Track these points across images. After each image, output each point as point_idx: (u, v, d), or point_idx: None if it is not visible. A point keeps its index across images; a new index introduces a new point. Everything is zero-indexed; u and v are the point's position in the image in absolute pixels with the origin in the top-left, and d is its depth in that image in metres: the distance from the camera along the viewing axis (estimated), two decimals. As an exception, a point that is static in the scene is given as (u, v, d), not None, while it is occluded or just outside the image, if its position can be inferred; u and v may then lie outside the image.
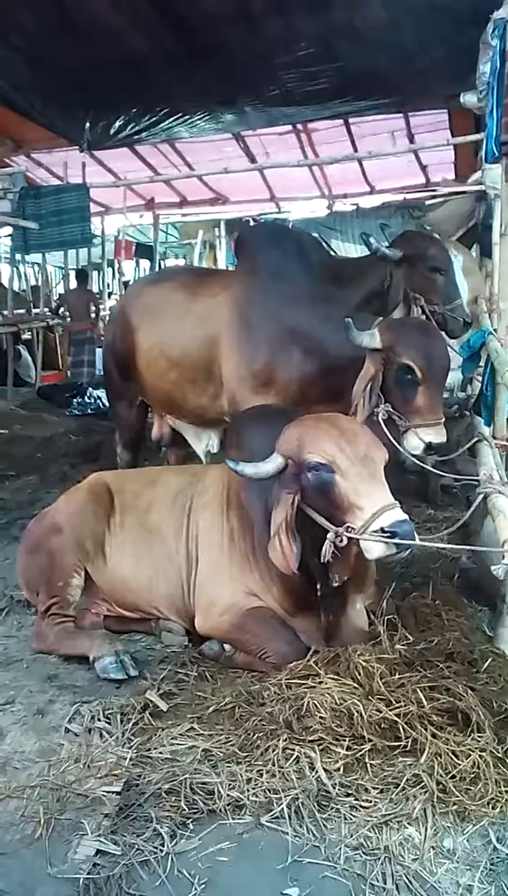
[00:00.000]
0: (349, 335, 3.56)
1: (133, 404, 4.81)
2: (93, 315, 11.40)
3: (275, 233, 5.19)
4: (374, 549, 2.57)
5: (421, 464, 3.74)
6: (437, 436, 3.61)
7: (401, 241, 4.26)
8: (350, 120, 9.78)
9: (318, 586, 2.94)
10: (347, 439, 2.73)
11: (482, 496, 3.27)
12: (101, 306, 12.13)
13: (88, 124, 8.55)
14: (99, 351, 11.21)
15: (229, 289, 4.25)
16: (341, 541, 2.63)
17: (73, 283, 11.89)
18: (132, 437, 4.94)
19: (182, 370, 4.29)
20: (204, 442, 4.55)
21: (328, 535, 2.66)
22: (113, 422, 5.21)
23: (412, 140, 10.30)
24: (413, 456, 3.63)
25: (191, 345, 4.24)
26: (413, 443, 3.61)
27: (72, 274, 12.49)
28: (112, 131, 8.77)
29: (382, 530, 2.53)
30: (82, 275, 11.60)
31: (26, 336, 11.11)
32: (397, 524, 2.53)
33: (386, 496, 2.63)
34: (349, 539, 2.62)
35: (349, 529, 2.61)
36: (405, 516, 2.58)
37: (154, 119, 8.47)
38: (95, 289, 14.24)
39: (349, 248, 11.21)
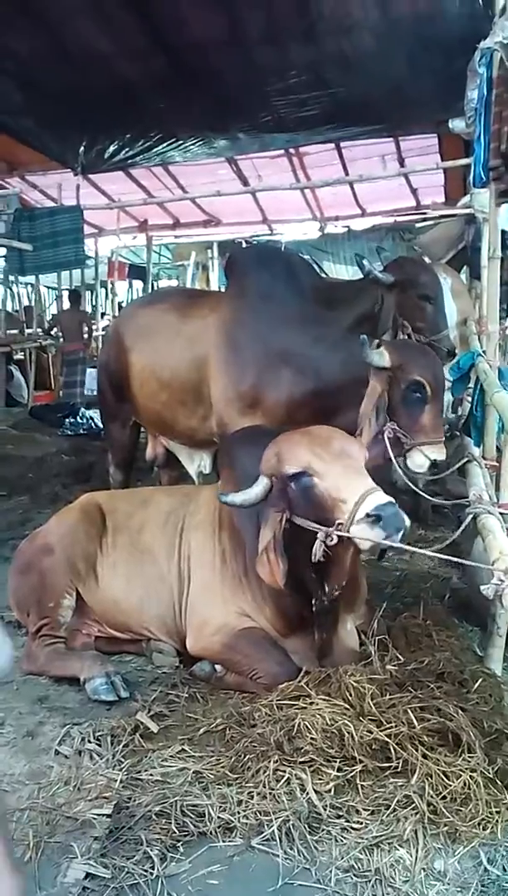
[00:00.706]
0: (362, 353, 3.56)
1: (126, 425, 4.83)
2: (85, 336, 11.44)
3: (265, 255, 5.23)
4: (363, 536, 2.56)
5: (412, 485, 3.77)
6: (441, 453, 3.68)
7: (394, 267, 4.32)
8: (342, 144, 9.94)
9: (314, 602, 2.94)
10: (320, 443, 2.77)
11: (471, 516, 3.29)
12: (93, 327, 12.17)
13: (82, 149, 8.64)
14: (91, 371, 11.25)
15: (218, 310, 4.27)
16: (331, 539, 2.62)
17: (66, 304, 11.90)
18: (125, 458, 4.96)
19: (172, 391, 4.31)
20: (196, 462, 4.57)
21: (318, 535, 2.65)
22: (105, 442, 5.21)
23: (402, 164, 10.45)
24: (413, 474, 3.66)
25: (180, 366, 4.26)
26: (419, 461, 3.65)
27: (65, 294, 12.54)
28: (106, 155, 8.88)
29: (367, 516, 2.52)
30: (75, 295, 11.65)
31: (19, 356, 11.13)
32: (380, 507, 2.52)
33: (366, 482, 2.63)
34: (340, 537, 2.61)
35: (339, 527, 2.61)
36: (389, 499, 2.56)
37: (148, 144, 8.57)
38: (88, 309, 14.30)
39: (340, 270, 11.30)
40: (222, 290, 11.43)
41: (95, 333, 13.53)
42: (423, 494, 3.99)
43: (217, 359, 4.13)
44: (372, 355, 3.60)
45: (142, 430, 4.92)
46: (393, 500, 2.57)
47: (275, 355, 4.02)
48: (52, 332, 11.26)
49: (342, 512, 2.61)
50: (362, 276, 4.44)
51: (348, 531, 2.59)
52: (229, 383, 4.08)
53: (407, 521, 2.59)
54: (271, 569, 2.79)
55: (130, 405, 4.63)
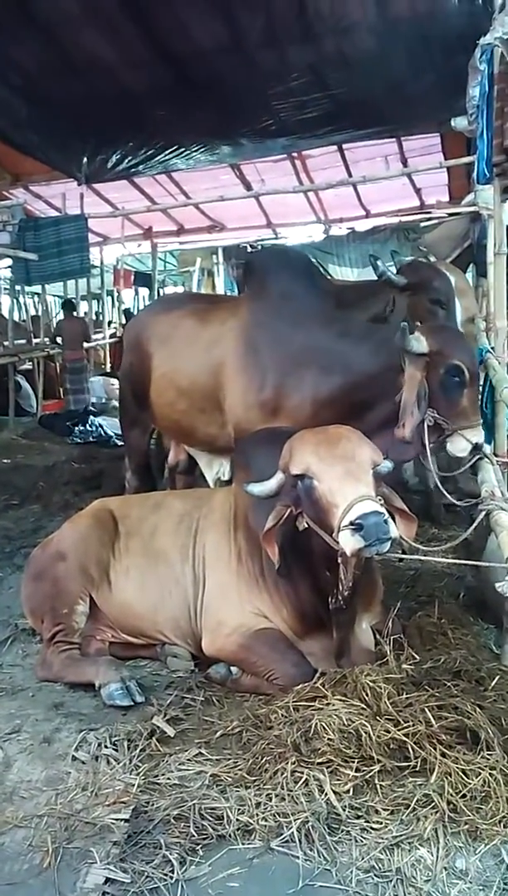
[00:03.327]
0: (402, 340, 3.55)
1: (146, 432, 4.78)
2: (86, 344, 11.48)
3: (282, 256, 5.15)
4: (346, 545, 2.55)
5: (437, 482, 3.77)
6: (481, 436, 3.71)
7: (408, 270, 4.28)
8: (344, 145, 9.94)
9: (330, 600, 2.93)
10: (325, 445, 2.78)
11: (484, 513, 3.28)
12: (94, 336, 12.18)
13: (85, 159, 8.68)
14: (98, 379, 11.27)
15: (237, 315, 4.19)
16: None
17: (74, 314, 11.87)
18: (141, 463, 4.91)
19: (192, 400, 4.24)
20: (215, 469, 4.51)
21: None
22: (123, 447, 5.18)
23: (405, 164, 10.46)
24: (456, 458, 3.70)
25: (200, 373, 4.18)
26: (462, 445, 3.66)
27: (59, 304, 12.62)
28: (109, 165, 8.93)
29: (350, 524, 2.52)
30: (70, 305, 11.63)
31: (27, 366, 11.16)
32: (362, 516, 2.51)
33: (357, 489, 2.62)
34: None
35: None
36: (376, 507, 2.55)
37: (151, 152, 8.62)
38: (92, 317, 14.36)
39: (345, 273, 11.29)
40: (230, 294, 11.51)
41: (102, 341, 13.61)
42: (443, 491, 3.94)
43: (236, 364, 4.04)
44: (411, 341, 3.57)
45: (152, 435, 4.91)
46: (380, 510, 2.55)
47: (297, 355, 3.91)
48: (57, 341, 11.28)
49: (334, 517, 2.62)
50: (368, 278, 4.43)
51: (336, 537, 2.60)
52: (250, 389, 3.98)
53: (394, 531, 2.57)
54: (270, 549, 2.88)
55: (150, 412, 4.58)
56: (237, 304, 4.36)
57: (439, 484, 3.75)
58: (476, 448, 3.67)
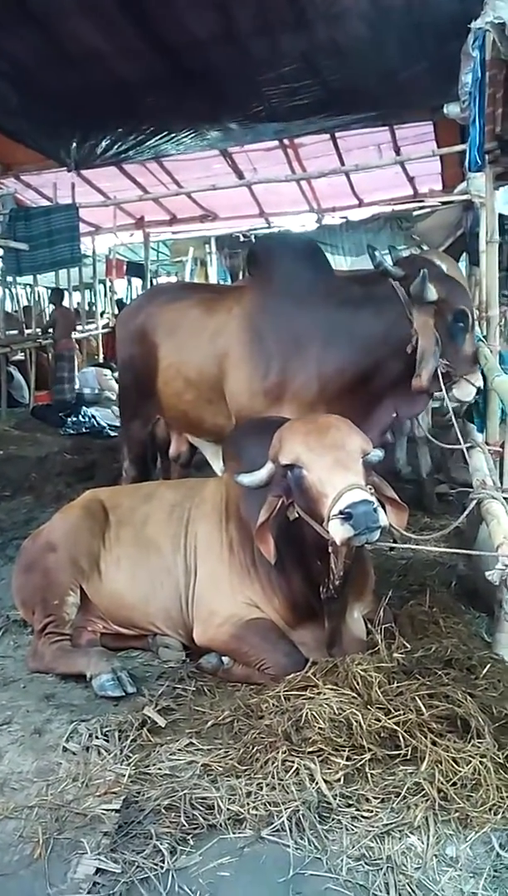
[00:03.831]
0: (422, 288, 3.63)
1: (148, 423, 4.71)
2: (75, 333, 11.44)
3: (284, 242, 5.10)
4: (335, 534, 2.55)
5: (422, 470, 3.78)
6: (480, 379, 3.82)
7: (405, 262, 4.25)
8: (337, 134, 9.88)
9: (322, 590, 2.93)
10: (315, 434, 2.78)
11: (475, 502, 3.27)
12: (78, 325, 12.14)
13: (74, 144, 8.61)
14: (89, 370, 11.21)
15: (242, 302, 4.14)
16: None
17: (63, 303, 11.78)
18: (140, 453, 4.84)
19: (200, 390, 4.21)
20: (221, 459, 4.50)
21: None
22: (121, 437, 5.13)
23: (398, 152, 10.39)
24: (460, 404, 3.88)
25: (207, 363, 4.14)
26: (468, 390, 3.77)
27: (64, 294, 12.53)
28: (99, 150, 8.85)
29: (340, 513, 2.51)
30: (59, 294, 11.56)
31: (19, 357, 11.11)
32: (352, 505, 2.50)
33: (346, 478, 2.61)
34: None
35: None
36: (365, 496, 2.54)
37: (141, 138, 8.54)
38: (87, 308, 14.30)
39: (339, 262, 11.26)
40: (223, 283, 11.45)
41: (95, 332, 13.55)
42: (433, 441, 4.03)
43: (239, 353, 4.00)
44: (428, 290, 3.64)
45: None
46: (369, 499, 2.54)
47: (301, 335, 3.87)
48: (49, 331, 11.20)
49: (324, 507, 2.62)
50: (361, 267, 4.42)
51: (326, 527, 2.59)
52: (254, 377, 3.94)
53: (383, 520, 2.56)
54: (264, 549, 2.86)
55: (155, 403, 4.52)
56: (241, 293, 4.30)
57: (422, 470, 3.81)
58: (478, 391, 3.82)
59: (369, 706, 2.63)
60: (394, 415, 3.87)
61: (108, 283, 15.34)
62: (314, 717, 2.61)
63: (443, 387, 3.66)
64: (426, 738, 2.49)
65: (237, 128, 8.35)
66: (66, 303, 11.74)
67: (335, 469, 2.66)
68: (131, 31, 5.93)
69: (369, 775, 2.43)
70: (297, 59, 6.44)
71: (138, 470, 4.86)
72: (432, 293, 3.66)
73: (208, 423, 4.29)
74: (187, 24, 5.87)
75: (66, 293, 11.88)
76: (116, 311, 13.50)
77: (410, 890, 2.07)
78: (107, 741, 2.73)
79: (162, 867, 2.17)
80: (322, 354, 3.86)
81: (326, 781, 2.40)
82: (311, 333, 3.88)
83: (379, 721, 2.56)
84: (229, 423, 4.15)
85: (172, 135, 8.50)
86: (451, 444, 4.07)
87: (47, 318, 11.68)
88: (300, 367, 3.89)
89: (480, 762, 2.38)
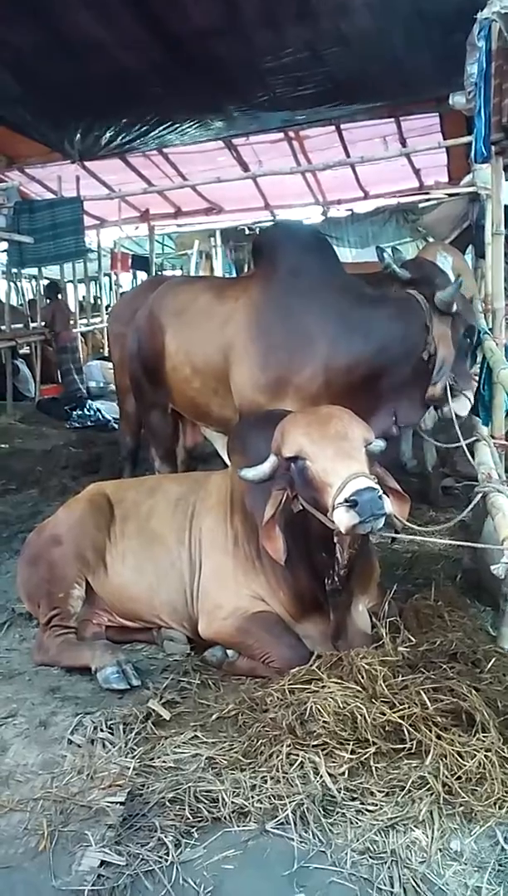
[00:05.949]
0: (442, 297, 3.66)
1: (166, 412, 4.58)
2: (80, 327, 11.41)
3: (290, 231, 5.04)
4: (341, 522, 2.54)
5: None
6: (471, 395, 3.90)
7: (412, 265, 4.22)
8: (342, 126, 9.81)
9: (327, 582, 2.93)
10: (316, 425, 2.78)
11: (480, 495, 3.26)
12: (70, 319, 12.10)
13: (78, 135, 8.58)
14: (92, 363, 11.18)
15: (248, 291, 4.09)
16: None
17: (52, 297, 11.68)
18: (169, 448, 4.69)
19: (205, 379, 4.17)
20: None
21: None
22: (147, 434, 4.96)
23: (404, 144, 10.30)
24: (459, 420, 3.82)
25: (212, 352, 4.09)
26: (466, 404, 3.79)
27: (69, 287, 12.50)
28: (103, 141, 8.82)
29: (345, 500, 2.51)
30: (54, 288, 11.52)
31: (24, 350, 11.11)
32: (356, 492, 2.49)
33: (350, 467, 2.61)
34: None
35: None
36: (370, 483, 2.54)
37: (144, 128, 8.50)
38: (92, 301, 14.28)
39: (344, 254, 11.22)
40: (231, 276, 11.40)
41: (100, 325, 13.53)
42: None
43: (244, 344, 3.95)
44: (455, 301, 3.68)
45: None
46: (374, 486, 2.54)
47: (309, 327, 3.82)
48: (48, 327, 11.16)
49: (329, 496, 2.61)
50: (365, 259, 4.40)
51: (331, 515, 2.58)
52: (258, 369, 3.89)
53: (388, 507, 2.58)
54: (270, 545, 2.83)
55: (166, 391, 4.45)
56: (248, 282, 4.25)
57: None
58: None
59: (373, 700, 2.63)
60: (393, 419, 3.84)
61: (113, 277, 15.31)
62: (319, 710, 2.61)
63: (450, 399, 3.66)
64: (430, 731, 2.49)
65: (241, 116, 8.29)
66: (70, 296, 11.71)
67: (339, 458, 2.66)
68: (132, 19, 5.89)
69: (373, 769, 2.43)
70: (302, 49, 6.39)
71: (171, 467, 4.70)
72: (456, 305, 3.68)
73: (215, 413, 4.26)
74: (190, 13, 5.82)
75: (61, 287, 11.83)
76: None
77: (414, 884, 2.07)
78: (112, 734, 2.74)
79: (166, 860, 2.17)
80: (332, 349, 3.80)
81: (330, 775, 2.40)
82: (320, 327, 3.82)
83: (384, 715, 2.56)
84: (235, 415, 4.12)
85: (176, 125, 8.44)
86: (450, 444, 4.04)
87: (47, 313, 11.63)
88: (307, 361, 3.83)
89: (485, 756, 2.38)
